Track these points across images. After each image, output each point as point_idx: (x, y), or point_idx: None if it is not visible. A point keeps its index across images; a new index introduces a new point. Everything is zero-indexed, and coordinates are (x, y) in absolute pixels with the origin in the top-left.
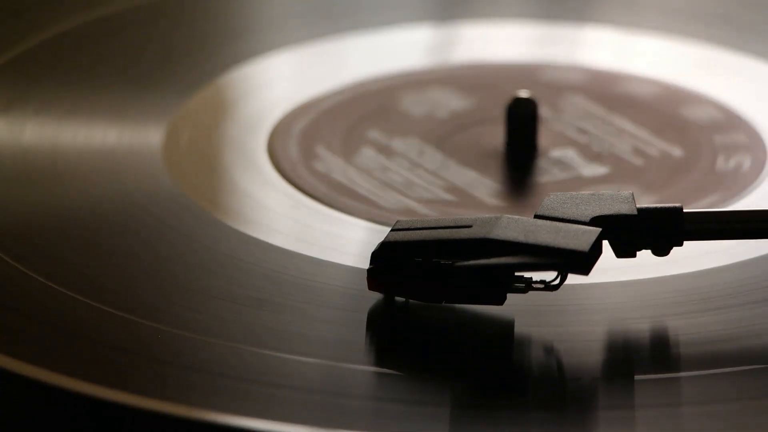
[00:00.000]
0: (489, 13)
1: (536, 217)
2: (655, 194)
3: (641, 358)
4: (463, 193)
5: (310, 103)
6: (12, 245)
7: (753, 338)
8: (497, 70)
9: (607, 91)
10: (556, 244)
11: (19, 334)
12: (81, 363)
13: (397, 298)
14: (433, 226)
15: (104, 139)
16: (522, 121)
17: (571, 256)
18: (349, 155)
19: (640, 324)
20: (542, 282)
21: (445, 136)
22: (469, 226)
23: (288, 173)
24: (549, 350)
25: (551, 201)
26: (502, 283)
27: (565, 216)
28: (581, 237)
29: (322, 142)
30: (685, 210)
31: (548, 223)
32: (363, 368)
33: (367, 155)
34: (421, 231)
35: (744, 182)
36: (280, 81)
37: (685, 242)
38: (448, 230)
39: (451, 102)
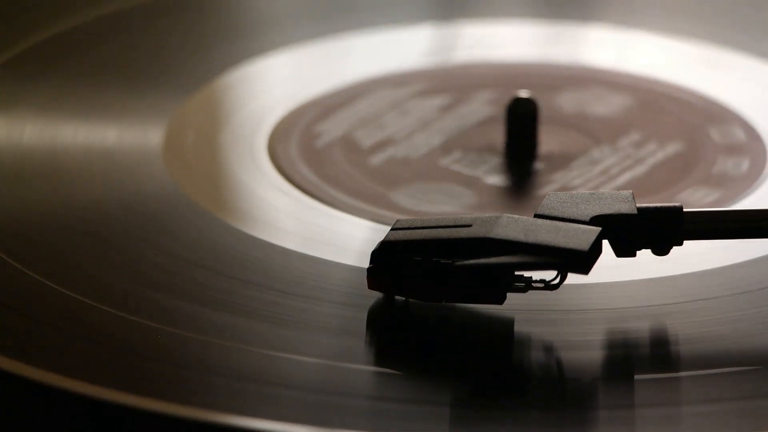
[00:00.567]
0: (489, 13)
1: (536, 216)
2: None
3: (641, 357)
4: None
5: (310, 102)
6: (12, 245)
7: (753, 338)
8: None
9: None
10: (556, 243)
11: (19, 334)
12: (81, 363)
13: (397, 298)
14: (432, 225)
15: (104, 139)
16: (522, 121)
17: (571, 255)
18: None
19: (640, 324)
20: (542, 281)
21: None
22: (469, 226)
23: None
24: (549, 350)
25: (551, 200)
26: (502, 283)
27: (565, 215)
28: (581, 236)
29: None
30: (685, 210)
31: (548, 222)
32: (363, 368)
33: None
34: (421, 230)
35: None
36: (281, 81)
37: (685, 242)
38: (447, 229)
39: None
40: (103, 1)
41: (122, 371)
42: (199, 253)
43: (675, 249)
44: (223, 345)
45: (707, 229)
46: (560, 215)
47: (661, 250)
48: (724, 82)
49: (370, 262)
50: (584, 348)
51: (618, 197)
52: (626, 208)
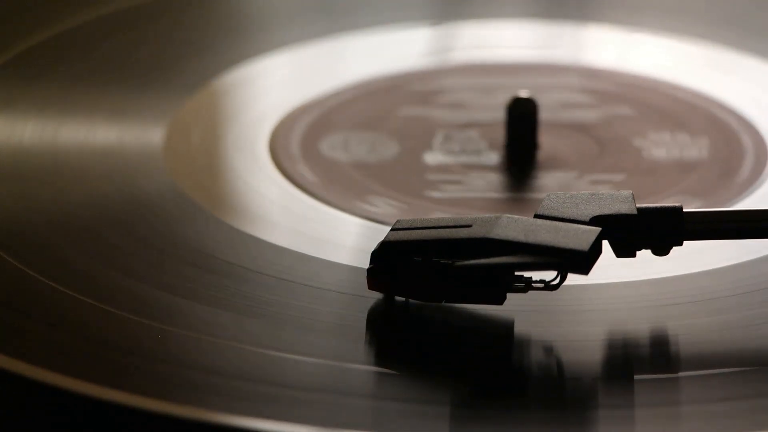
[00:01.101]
0: (489, 13)
1: (536, 216)
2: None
3: (641, 358)
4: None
5: (311, 102)
6: (12, 245)
7: (753, 338)
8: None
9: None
10: (555, 243)
11: (18, 334)
12: (81, 362)
13: (397, 298)
14: (432, 225)
15: (104, 138)
16: (522, 121)
17: (571, 255)
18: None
19: (639, 324)
20: (542, 282)
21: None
22: (469, 226)
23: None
24: (549, 350)
25: (551, 200)
26: (502, 283)
27: (565, 216)
28: (581, 237)
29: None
30: (685, 210)
31: (548, 222)
32: (363, 368)
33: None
34: (421, 230)
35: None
36: (281, 80)
37: (685, 242)
38: (447, 230)
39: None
40: (103, 1)
41: (122, 371)
42: (199, 253)
43: (675, 249)
44: (223, 345)
45: (707, 229)
46: (560, 215)
47: (661, 250)
48: (724, 81)
49: (370, 263)
50: (584, 348)
51: (618, 197)
52: (626, 208)
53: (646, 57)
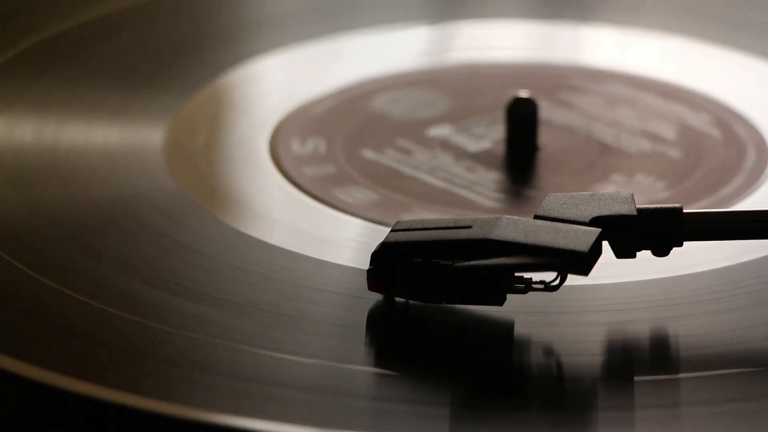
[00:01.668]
0: (488, 13)
1: (536, 217)
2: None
3: (641, 358)
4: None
5: (310, 102)
6: (12, 245)
7: (753, 339)
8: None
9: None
10: (555, 244)
11: (18, 334)
12: (81, 363)
13: (397, 299)
14: (433, 226)
15: (105, 139)
16: (522, 121)
17: (571, 256)
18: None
19: (639, 325)
20: (542, 282)
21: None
22: (469, 227)
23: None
24: (549, 351)
25: (551, 201)
26: (502, 284)
27: (565, 216)
28: (581, 237)
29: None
30: (684, 210)
31: (548, 223)
32: (363, 368)
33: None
34: (421, 231)
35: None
36: (281, 80)
37: (685, 242)
38: (447, 231)
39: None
40: (104, 1)
41: (122, 371)
42: (199, 253)
43: (675, 249)
44: (222, 345)
45: (707, 230)
46: (560, 216)
47: (661, 250)
48: (724, 81)
49: (370, 264)
50: (584, 349)
51: (618, 198)
52: (626, 209)
53: (645, 57)
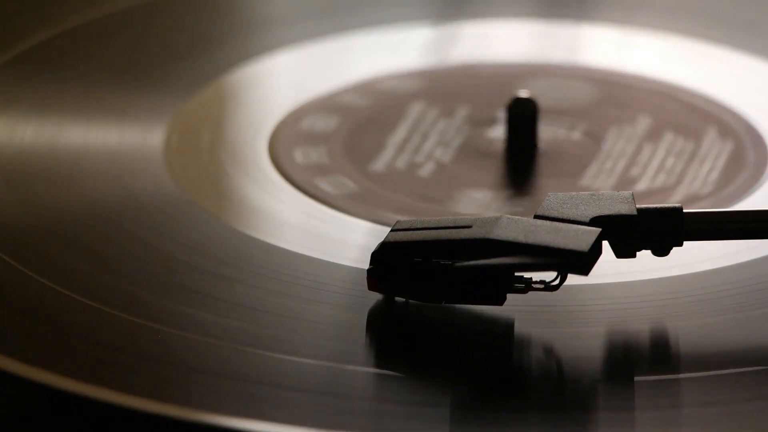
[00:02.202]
0: (489, 13)
1: (536, 217)
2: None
3: (641, 359)
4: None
5: (310, 103)
6: (12, 245)
7: (753, 339)
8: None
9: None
10: (555, 244)
11: (18, 334)
12: (80, 364)
13: (397, 298)
14: (432, 226)
15: (105, 139)
16: (522, 121)
17: (571, 256)
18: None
19: (640, 324)
20: (542, 282)
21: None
22: (469, 227)
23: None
24: (549, 351)
25: (551, 201)
26: (502, 284)
27: (565, 216)
28: (581, 237)
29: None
30: (684, 210)
31: (548, 223)
32: (363, 369)
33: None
34: (420, 231)
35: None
36: (281, 81)
37: (685, 242)
38: (447, 230)
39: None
40: (103, 1)
41: (122, 372)
42: (198, 254)
43: (675, 249)
44: (222, 346)
45: (707, 230)
46: (560, 216)
47: (661, 250)
48: (724, 80)
49: (370, 263)
50: (584, 348)
51: (618, 198)
52: (626, 208)
53: (645, 57)
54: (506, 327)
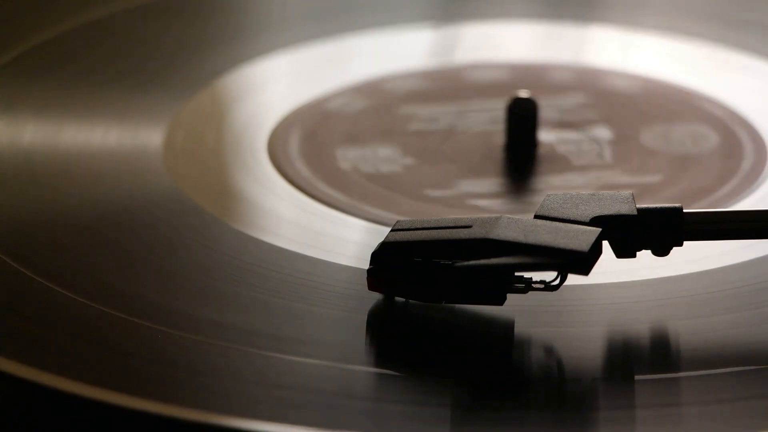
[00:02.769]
0: (490, 13)
1: (536, 217)
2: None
3: (641, 358)
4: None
5: (310, 103)
6: (12, 245)
7: (753, 338)
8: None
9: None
10: (555, 244)
11: (18, 334)
12: (81, 364)
13: (397, 298)
14: (433, 226)
15: (104, 139)
16: (522, 121)
17: (571, 256)
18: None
19: (639, 324)
20: (542, 282)
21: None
22: (469, 227)
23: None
24: (549, 350)
25: (551, 201)
26: (502, 283)
27: (565, 216)
28: (581, 237)
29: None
30: (684, 210)
31: (548, 223)
32: (363, 369)
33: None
34: (421, 231)
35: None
36: (280, 82)
37: (685, 242)
38: (447, 230)
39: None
40: (104, 2)
41: (122, 372)
42: (198, 254)
43: (675, 249)
44: (222, 346)
45: (707, 230)
46: (560, 216)
47: (661, 250)
48: (724, 81)
49: (370, 263)
50: (584, 348)
51: (618, 198)
52: (626, 208)
53: (646, 57)
54: (506, 327)
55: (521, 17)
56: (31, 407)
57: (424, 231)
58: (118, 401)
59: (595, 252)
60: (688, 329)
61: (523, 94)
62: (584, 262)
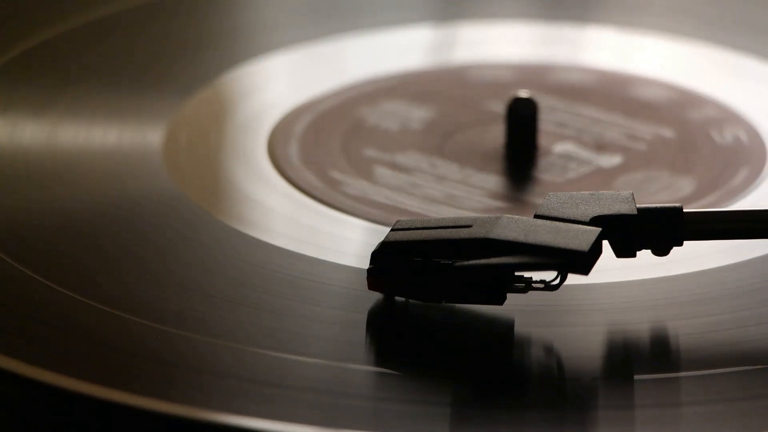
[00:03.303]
0: (490, 13)
1: (536, 217)
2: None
3: (641, 358)
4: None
5: (309, 103)
6: (12, 245)
7: (753, 338)
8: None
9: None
10: (556, 244)
11: (19, 334)
12: (80, 363)
13: (397, 298)
14: (433, 225)
15: (104, 139)
16: (522, 121)
17: (571, 255)
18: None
19: (639, 324)
20: (542, 282)
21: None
22: (469, 226)
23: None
24: (549, 350)
25: (551, 201)
26: (502, 283)
27: (565, 216)
28: (581, 237)
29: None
30: (684, 210)
31: (548, 222)
32: (363, 368)
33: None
34: (421, 231)
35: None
36: (280, 81)
37: (685, 242)
38: (448, 230)
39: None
40: (104, 1)
41: (121, 371)
42: (198, 254)
43: (675, 249)
44: (222, 345)
45: (707, 230)
46: (560, 216)
47: (661, 250)
48: (724, 82)
49: (371, 263)
50: (584, 348)
51: (618, 198)
52: (626, 208)
53: (646, 57)
54: (506, 327)
55: (521, 17)
56: (30, 405)
57: (424, 230)
58: (118, 399)
59: (595, 252)
60: (688, 329)
61: (523, 94)
62: (584, 261)
